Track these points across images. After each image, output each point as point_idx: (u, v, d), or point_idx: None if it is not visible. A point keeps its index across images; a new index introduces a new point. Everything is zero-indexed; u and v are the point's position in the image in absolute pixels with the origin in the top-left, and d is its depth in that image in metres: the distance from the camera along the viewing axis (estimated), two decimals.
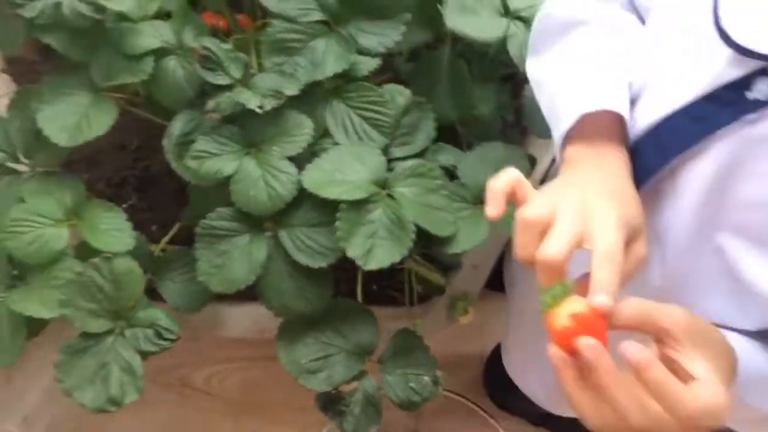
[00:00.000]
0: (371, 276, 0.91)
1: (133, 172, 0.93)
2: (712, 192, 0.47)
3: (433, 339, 0.81)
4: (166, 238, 0.81)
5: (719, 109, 0.44)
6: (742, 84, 0.43)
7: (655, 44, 0.51)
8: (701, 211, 0.48)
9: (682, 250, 0.51)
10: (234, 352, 1.11)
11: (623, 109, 0.50)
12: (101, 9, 0.71)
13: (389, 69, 0.92)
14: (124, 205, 0.92)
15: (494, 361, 1.14)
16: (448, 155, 0.79)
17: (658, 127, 0.49)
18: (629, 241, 0.45)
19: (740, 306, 0.49)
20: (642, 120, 0.50)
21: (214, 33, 0.84)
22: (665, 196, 0.50)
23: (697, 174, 0.47)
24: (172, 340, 0.68)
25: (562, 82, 0.55)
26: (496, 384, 1.14)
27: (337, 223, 0.66)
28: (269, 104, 0.69)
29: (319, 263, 0.69)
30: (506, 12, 0.76)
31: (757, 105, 0.43)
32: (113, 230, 0.71)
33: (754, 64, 0.43)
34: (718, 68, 0.44)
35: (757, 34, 0.42)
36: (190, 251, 0.72)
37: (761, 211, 0.45)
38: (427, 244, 0.87)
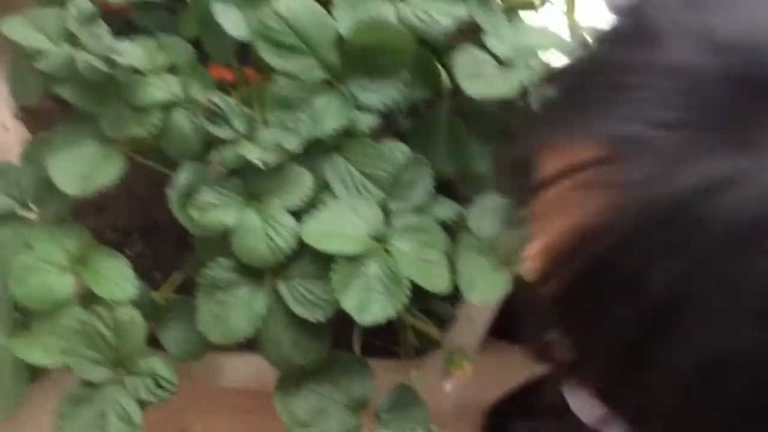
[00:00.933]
0: (371, 331, 0.92)
1: (140, 220, 0.95)
2: None
3: (432, 392, 0.80)
4: (170, 287, 0.82)
5: None
6: None
7: None
8: None
9: None
10: (233, 402, 1.10)
11: None
12: (113, 63, 0.74)
13: (390, 125, 0.95)
14: (129, 252, 0.94)
15: (494, 411, 1.14)
16: (446, 209, 0.80)
17: None
18: None
19: None
20: None
21: (221, 86, 0.87)
22: None
23: None
24: (171, 392, 0.68)
25: None
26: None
27: (332, 275, 0.67)
28: (271, 158, 0.71)
29: (317, 316, 0.70)
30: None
31: None
32: (117, 278, 0.73)
33: None
34: None
35: None
36: (191, 300, 0.74)
37: None
38: (426, 298, 0.87)
